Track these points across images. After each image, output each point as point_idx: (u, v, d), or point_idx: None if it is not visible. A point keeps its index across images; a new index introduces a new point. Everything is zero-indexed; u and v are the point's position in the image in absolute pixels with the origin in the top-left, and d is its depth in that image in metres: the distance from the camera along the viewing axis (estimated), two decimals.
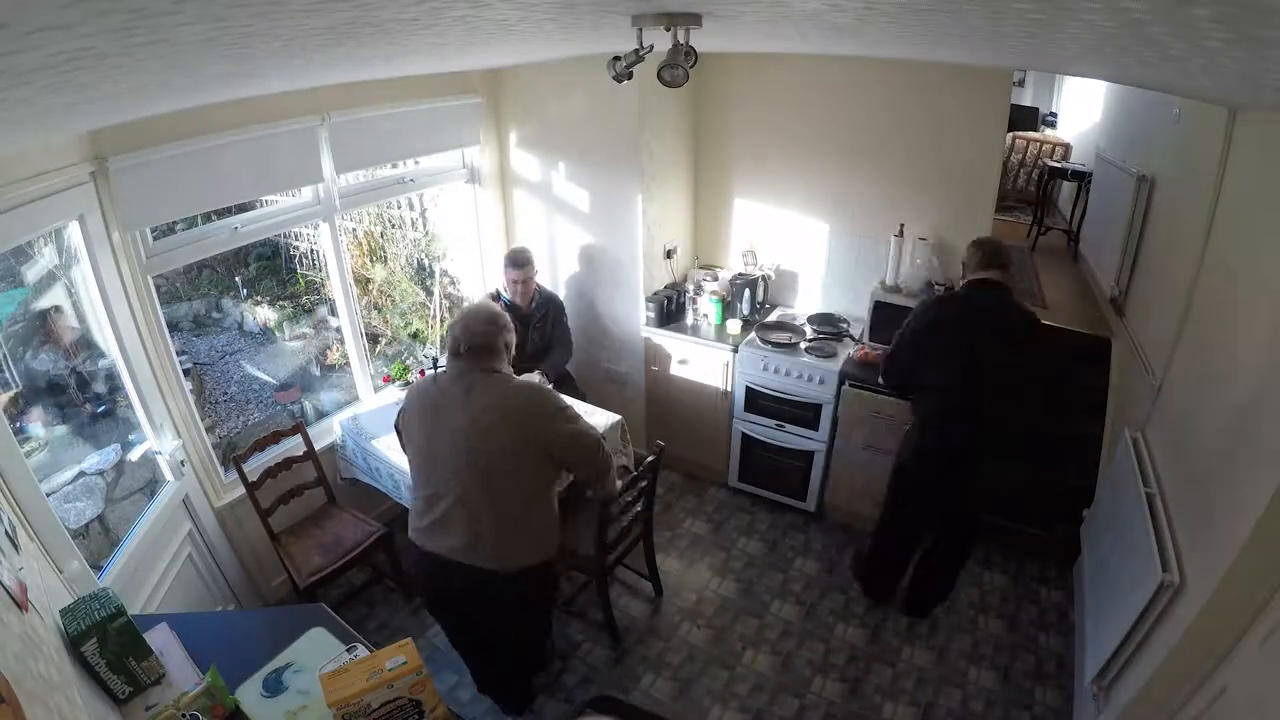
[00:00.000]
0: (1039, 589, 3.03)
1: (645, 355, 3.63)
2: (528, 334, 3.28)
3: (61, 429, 2.65)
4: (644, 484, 2.56)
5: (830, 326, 3.35)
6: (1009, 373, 2.39)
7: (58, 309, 2.52)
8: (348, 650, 1.56)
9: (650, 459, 2.54)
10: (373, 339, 4.65)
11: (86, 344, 2.46)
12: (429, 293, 4.86)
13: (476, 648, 2.31)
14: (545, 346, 3.35)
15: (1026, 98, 6.99)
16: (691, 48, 1.55)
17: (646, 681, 2.64)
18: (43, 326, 2.62)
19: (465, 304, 2.27)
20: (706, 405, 3.53)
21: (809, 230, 3.47)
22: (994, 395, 2.42)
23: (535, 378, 3.09)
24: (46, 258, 2.43)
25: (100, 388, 2.73)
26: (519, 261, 3.19)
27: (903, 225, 3.11)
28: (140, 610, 2.19)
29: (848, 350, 3.19)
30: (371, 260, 5.03)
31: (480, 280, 3.82)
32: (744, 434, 3.45)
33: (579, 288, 3.74)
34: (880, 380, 2.76)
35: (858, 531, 3.35)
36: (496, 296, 3.39)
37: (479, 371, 1.88)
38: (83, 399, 2.80)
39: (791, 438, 3.30)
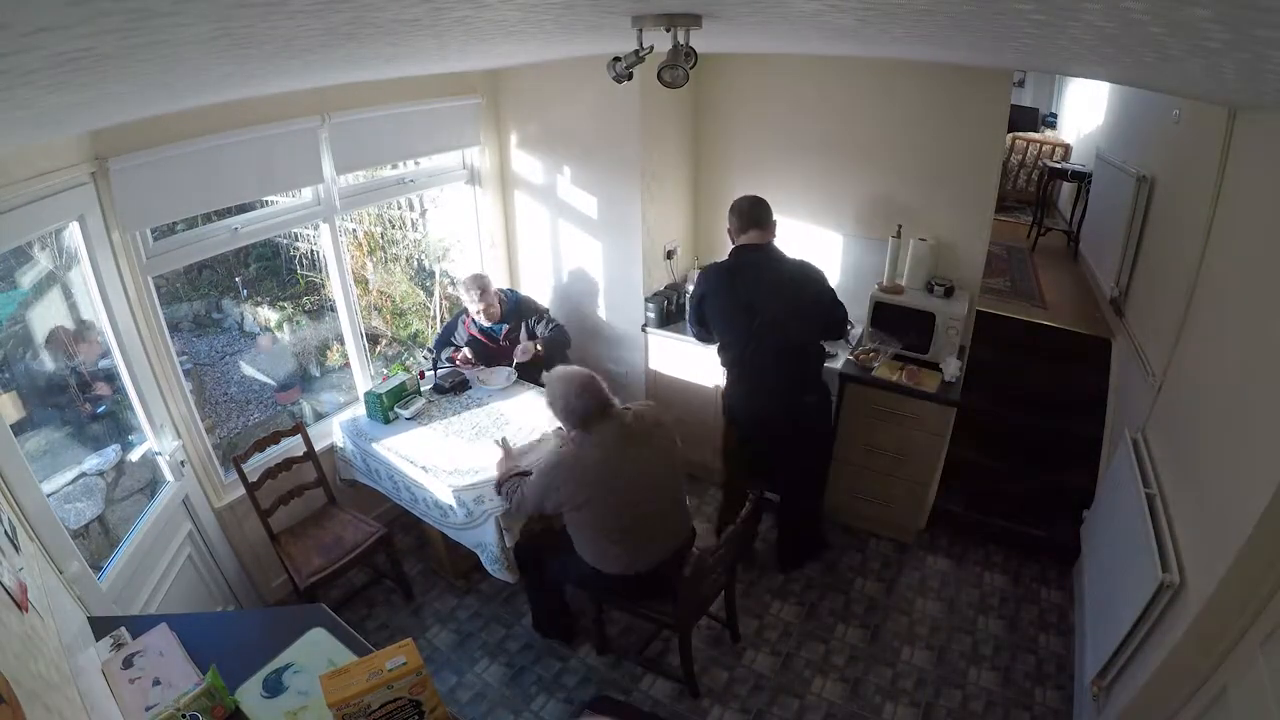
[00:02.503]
0: (1039, 589, 3.03)
1: (645, 355, 3.64)
2: (512, 341, 3.31)
3: (61, 430, 2.65)
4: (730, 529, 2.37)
5: None
6: (800, 320, 2.59)
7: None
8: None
9: (749, 508, 2.42)
10: (372, 339, 4.64)
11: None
12: (429, 293, 4.86)
13: None
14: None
15: (1026, 98, 7.00)
16: (691, 48, 1.55)
17: (646, 682, 2.64)
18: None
19: (555, 377, 2.25)
20: (706, 406, 3.52)
21: (809, 231, 3.47)
22: (785, 347, 2.60)
23: (530, 351, 3.20)
24: (46, 259, 2.42)
25: (101, 388, 2.73)
26: (484, 285, 3.18)
27: (900, 226, 3.11)
28: (140, 610, 2.20)
29: (847, 351, 3.18)
30: (372, 263, 5.03)
31: None
32: None
33: (579, 287, 3.74)
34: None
35: (859, 531, 3.36)
36: (450, 330, 3.39)
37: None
38: (83, 399, 2.80)
39: None
